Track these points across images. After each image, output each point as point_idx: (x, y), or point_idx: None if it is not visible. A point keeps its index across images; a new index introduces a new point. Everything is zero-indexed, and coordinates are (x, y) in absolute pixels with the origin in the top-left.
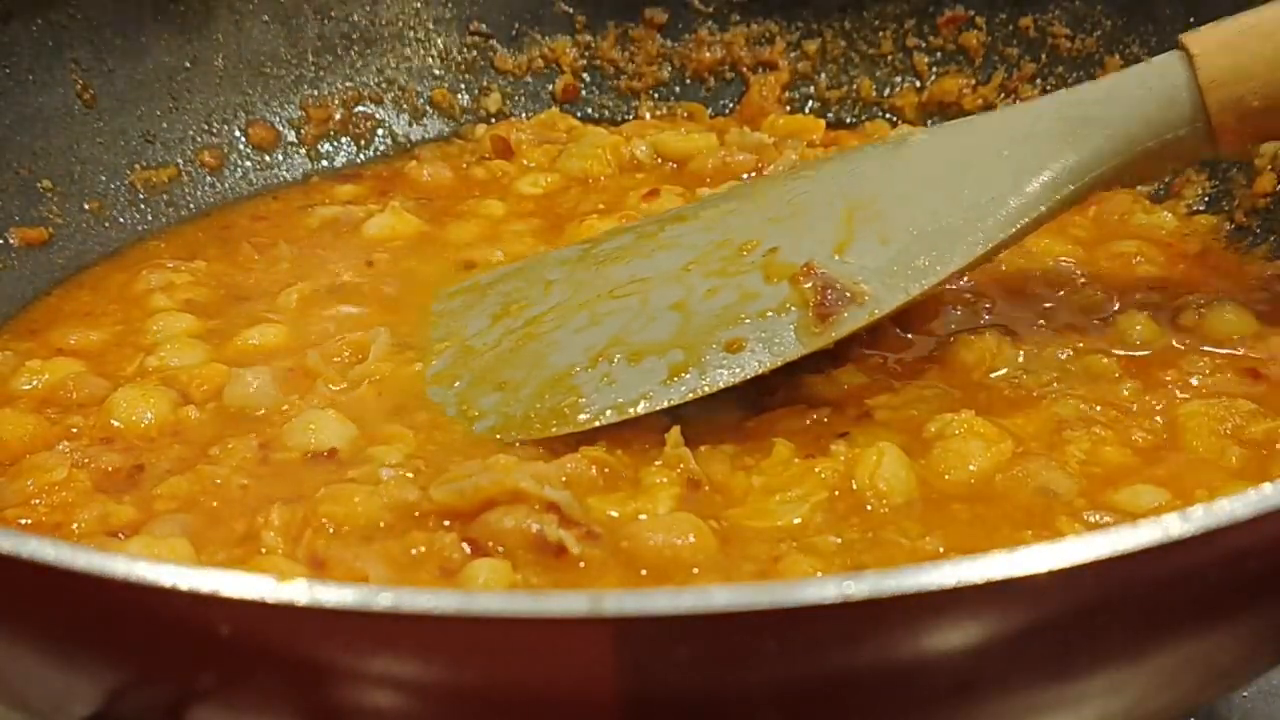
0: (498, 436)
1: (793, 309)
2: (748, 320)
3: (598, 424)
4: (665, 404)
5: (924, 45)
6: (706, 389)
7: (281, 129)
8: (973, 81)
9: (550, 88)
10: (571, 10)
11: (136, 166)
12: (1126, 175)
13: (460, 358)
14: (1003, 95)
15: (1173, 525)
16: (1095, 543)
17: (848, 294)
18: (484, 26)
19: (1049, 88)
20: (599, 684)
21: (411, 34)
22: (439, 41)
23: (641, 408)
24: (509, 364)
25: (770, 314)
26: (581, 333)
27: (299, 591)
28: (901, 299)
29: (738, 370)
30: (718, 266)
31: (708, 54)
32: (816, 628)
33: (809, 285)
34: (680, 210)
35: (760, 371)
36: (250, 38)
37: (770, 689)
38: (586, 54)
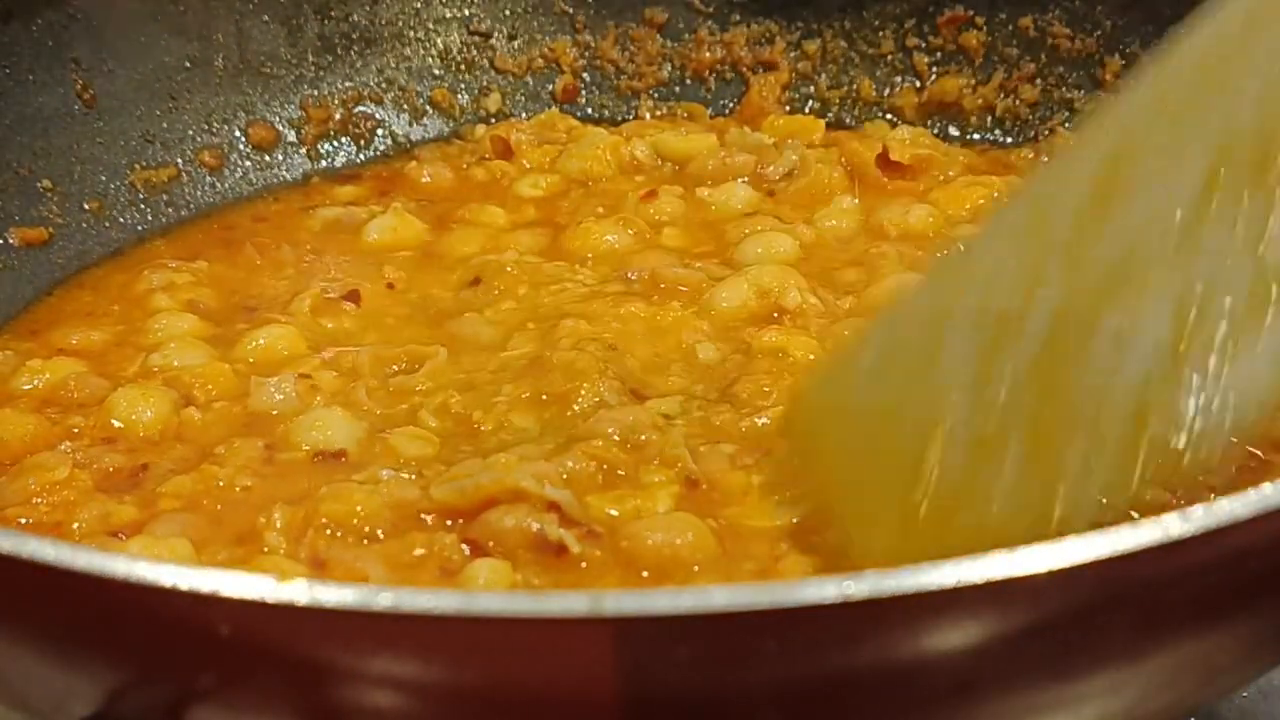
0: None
1: None
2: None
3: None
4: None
5: (924, 45)
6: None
7: (281, 129)
8: (973, 81)
9: (550, 88)
10: (571, 10)
11: (136, 166)
12: None
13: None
14: (1003, 95)
15: (1173, 525)
16: (1095, 543)
17: None
18: (484, 26)
19: (1049, 88)
20: (599, 684)
21: (411, 34)
22: (439, 41)
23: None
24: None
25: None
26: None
27: (299, 591)
28: None
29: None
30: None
31: (708, 54)
32: (816, 628)
33: None
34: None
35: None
36: (250, 38)
37: (770, 689)
38: (586, 54)
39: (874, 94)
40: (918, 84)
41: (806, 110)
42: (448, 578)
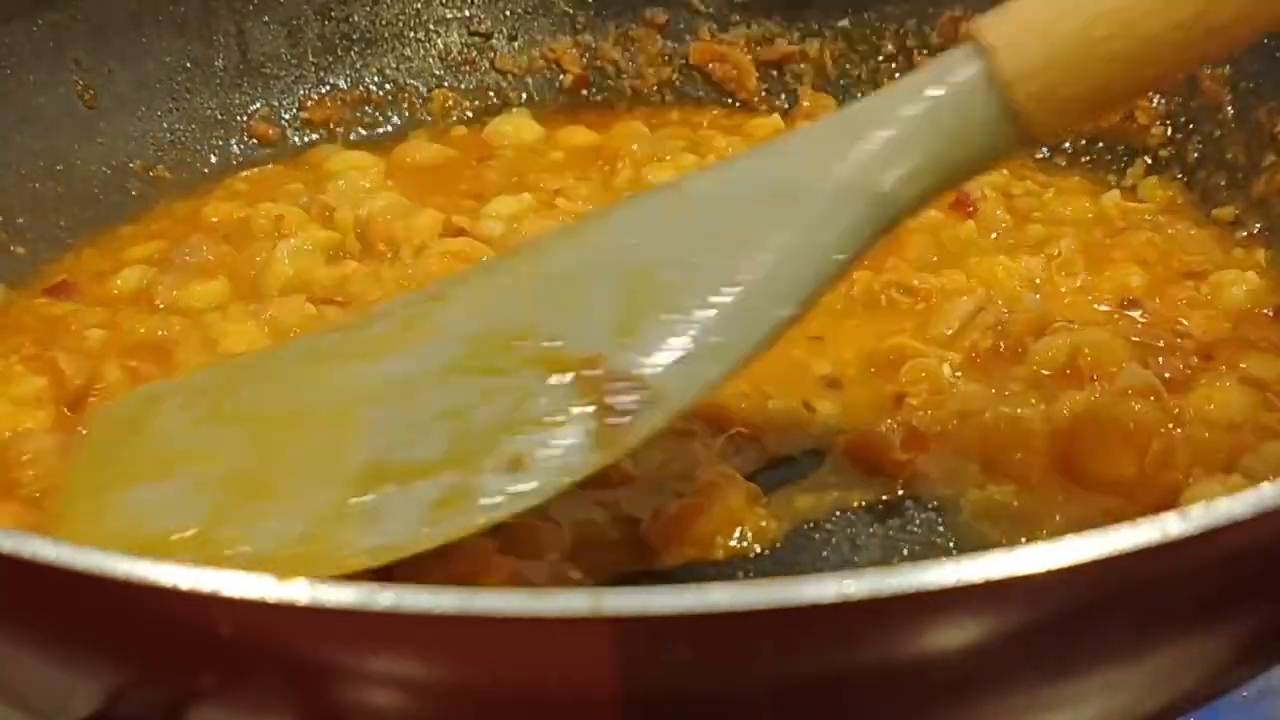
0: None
1: (577, 411)
2: (529, 430)
3: (366, 566)
4: (437, 542)
5: (924, 46)
6: (481, 524)
7: (283, 129)
8: None
9: (554, 86)
10: (572, 11)
11: (137, 166)
12: (932, 195)
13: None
14: None
15: (1172, 525)
16: (1095, 542)
17: (639, 390)
18: (484, 27)
19: None
20: (599, 684)
21: (412, 34)
22: (439, 42)
23: (410, 549)
24: (256, 476)
25: (554, 420)
26: (342, 449)
27: (299, 591)
28: (698, 390)
29: (519, 497)
30: (487, 362)
31: (708, 54)
32: (816, 627)
33: (594, 383)
34: (436, 289)
35: (545, 499)
36: (251, 38)
37: (770, 689)
38: (586, 54)
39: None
40: None
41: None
42: None
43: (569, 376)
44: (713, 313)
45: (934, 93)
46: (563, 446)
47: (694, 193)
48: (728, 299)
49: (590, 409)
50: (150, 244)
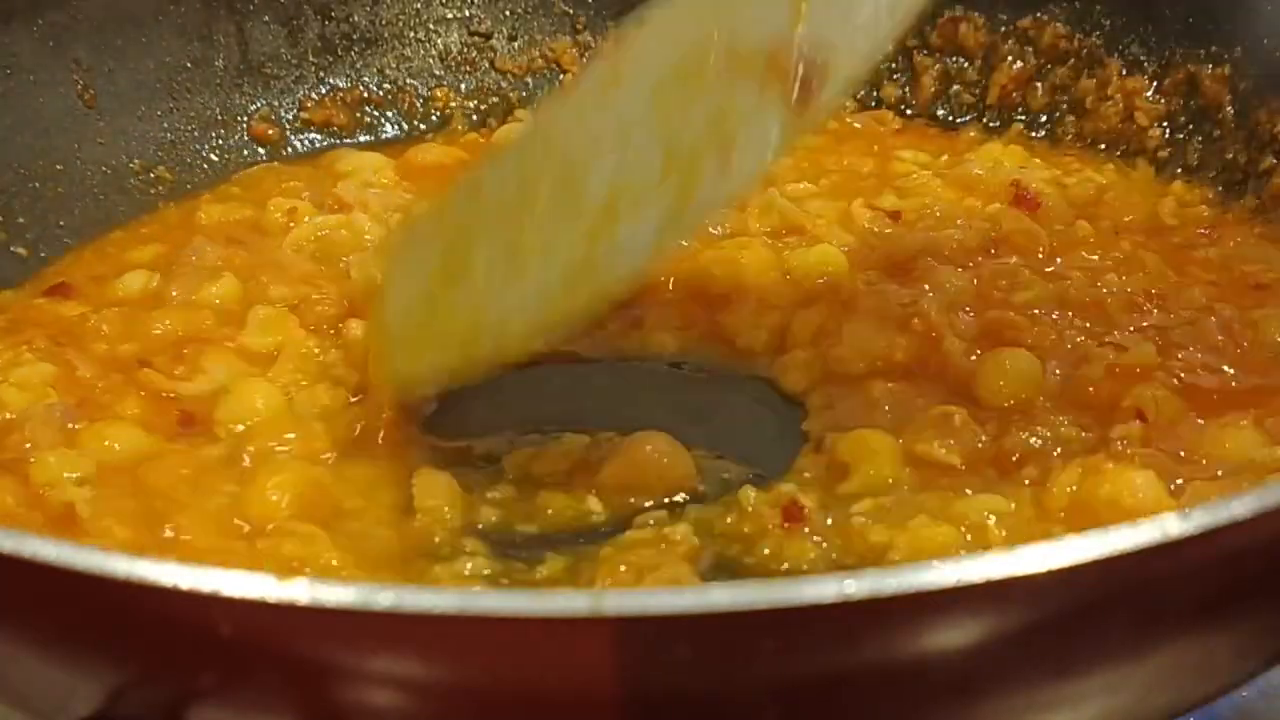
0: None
1: (769, 100)
2: (733, 124)
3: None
4: (683, 239)
5: (923, 45)
6: (698, 222)
7: (283, 129)
8: (972, 81)
9: (554, 86)
10: (572, 11)
11: (137, 166)
12: None
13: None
14: (1003, 96)
15: (1172, 525)
16: (1095, 542)
17: (820, 68)
18: (484, 27)
19: (1049, 88)
20: (599, 684)
21: (412, 34)
22: (439, 42)
23: (660, 248)
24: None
25: (752, 110)
26: (575, 201)
27: (299, 591)
28: (866, 60)
29: (729, 190)
30: (683, 89)
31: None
32: (816, 627)
33: (784, 67)
34: (611, 55)
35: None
36: (251, 38)
37: (770, 688)
38: (587, 54)
39: (873, 94)
40: (916, 84)
41: None
42: None
43: (757, 68)
44: None
45: None
46: (762, 129)
47: None
48: None
49: (778, 92)
50: (150, 248)
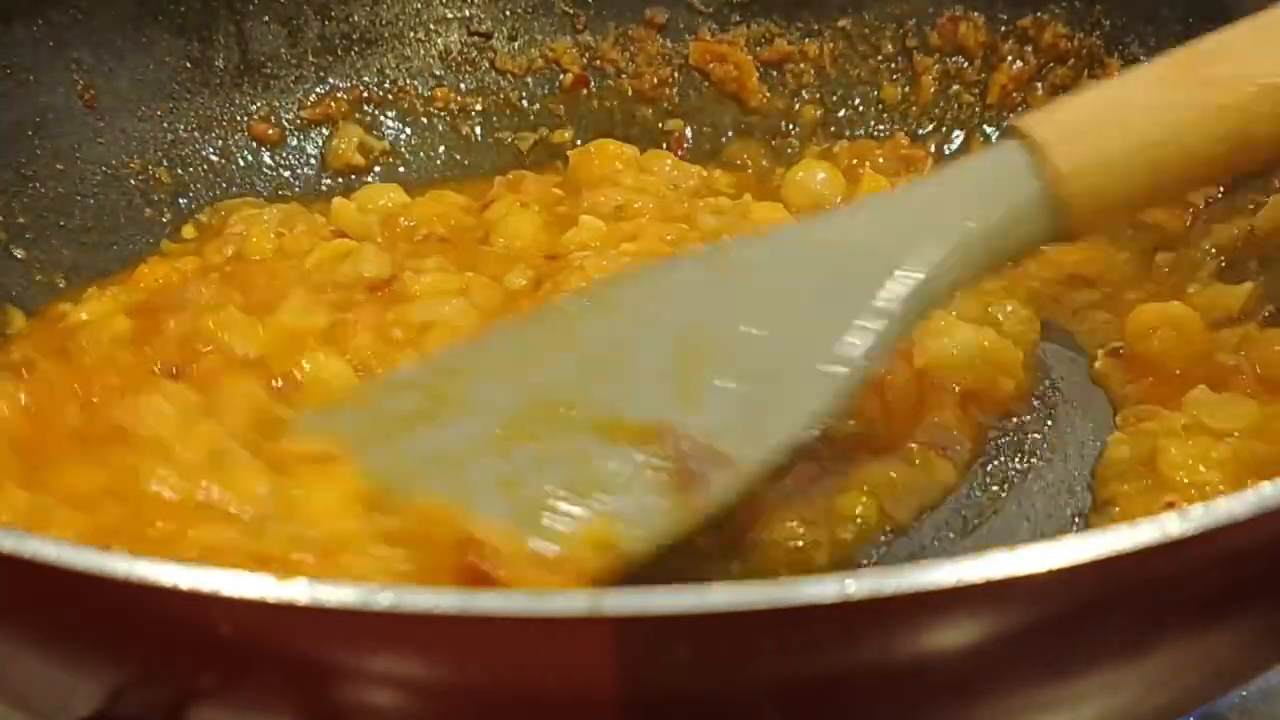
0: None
1: (650, 475)
2: (599, 492)
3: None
4: None
5: (924, 46)
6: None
7: (283, 129)
8: (973, 81)
9: (554, 86)
10: (572, 11)
11: (137, 166)
12: (968, 280)
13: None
14: (1003, 96)
15: (1172, 525)
16: (1094, 542)
17: (711, 457)
18: (484, 27)
19: (1049, 88)
20: (599, 684)
21: (412, 34)
22: (439, 42)
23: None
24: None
25: (625, 482)
26: None
27: (299, 591)
28: (767, 458)
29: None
30: (537, 429)
31: (708, 54)
32: (816, 627)
33: (666, 450)
34: (452, 359)
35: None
36: (251, 38)
37: (770, 688)
38: (586, 54)
39: (873, 94)
40: (918, 84)
41: (798, 109)
42: None
43: (633, 444)
44: (766, 384)
45: (982, 182)
46: (639, 508)
47: (736, 260)
48: (778, 369)
49: (664, 475)
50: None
